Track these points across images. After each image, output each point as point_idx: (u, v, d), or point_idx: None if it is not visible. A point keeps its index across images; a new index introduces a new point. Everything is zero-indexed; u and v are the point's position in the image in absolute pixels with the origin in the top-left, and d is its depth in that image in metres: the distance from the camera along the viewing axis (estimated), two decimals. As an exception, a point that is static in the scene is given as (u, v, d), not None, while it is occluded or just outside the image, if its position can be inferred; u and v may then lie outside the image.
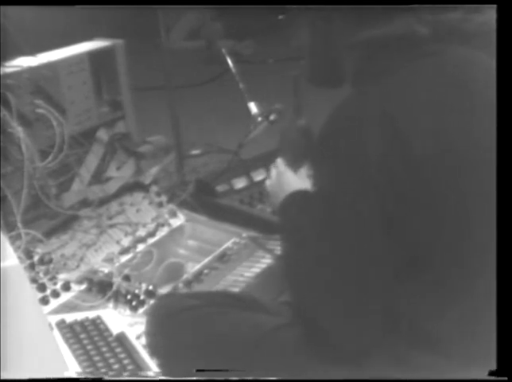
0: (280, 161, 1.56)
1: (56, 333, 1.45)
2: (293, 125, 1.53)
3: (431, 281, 1.15)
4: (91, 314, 1.55)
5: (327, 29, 1.25)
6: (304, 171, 1.52)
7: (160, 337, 1.44)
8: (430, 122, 1.13)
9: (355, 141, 1.12)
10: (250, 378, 1.16)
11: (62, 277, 1.73)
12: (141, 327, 1.53)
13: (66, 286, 1.71)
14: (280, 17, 1.34)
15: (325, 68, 1.34)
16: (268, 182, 1.57)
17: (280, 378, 1.20)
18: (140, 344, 1.44)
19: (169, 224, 2.04)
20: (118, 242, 1.91)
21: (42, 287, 1.67)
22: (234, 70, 2.44)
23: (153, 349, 1.43)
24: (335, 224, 1.16)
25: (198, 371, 1.26)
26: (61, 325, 1.49)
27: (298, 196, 1.40)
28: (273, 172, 1.56)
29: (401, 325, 1.17)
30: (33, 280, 1.67)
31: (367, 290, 1.14)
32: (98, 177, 2.05)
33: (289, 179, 1.50)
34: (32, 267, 1.71)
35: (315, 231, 1.19)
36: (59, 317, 1.52)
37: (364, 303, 1.15)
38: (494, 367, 1.02)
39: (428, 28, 1.16)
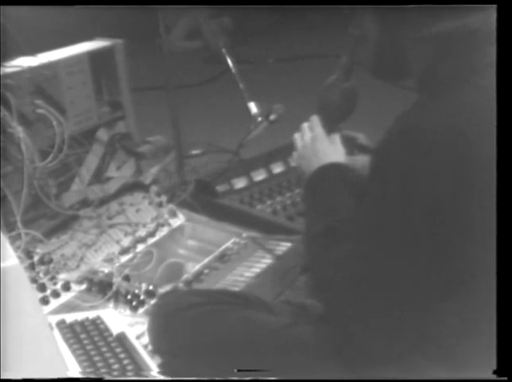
0: (316, 121, 1.44)
1: (57, 333, 1.45)
2: (339, 85, 1.46)
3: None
4: (91, 314, 1.55)
5: (397, 17, 1.14)
6: (338, 139, 1.43)
7: (162, 335, 1.44)
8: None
9: (416, 153, 1.06)
10: (251, 378, 1.16)
11: (62, 277, 1.73)
12: (141, 327, 1.53)
13: (66, 286, 1.71)
14: (345, 11, 1.26)
15: (390, 58, 1.21)
16: (299, 141, 1.44)
17: (281, 378, 1.20)
18: (140, 344, 1.44)
19: (169, 224, 2.04)
20: (118, 242, 1.91)
21: (42, 287, 1.67)
22: (234, 70, 2.44)
23: (156, 348, 1.43)
24: (378, 224, 1.11)
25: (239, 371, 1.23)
26: (61, 325, 1.49)
27: (334, 170, 1.33)
28: (308, 132, 1.44)
29: (406, 328, 1.16)
30: (33, 280, 1.67)
31: (400, 295, 1.12)
32: (99, 177, 2.05)
33: (325, 147, 1.39)
34: (32, 267, 1.71)
35: (353, 220, 1.15)
36: (59, 317, 1.52)
37: (390, 309, 1.12)
38: (494, 367, 1.02)
39: None
